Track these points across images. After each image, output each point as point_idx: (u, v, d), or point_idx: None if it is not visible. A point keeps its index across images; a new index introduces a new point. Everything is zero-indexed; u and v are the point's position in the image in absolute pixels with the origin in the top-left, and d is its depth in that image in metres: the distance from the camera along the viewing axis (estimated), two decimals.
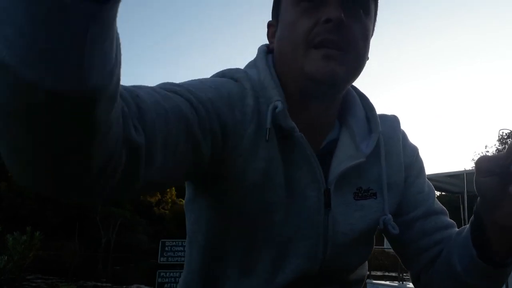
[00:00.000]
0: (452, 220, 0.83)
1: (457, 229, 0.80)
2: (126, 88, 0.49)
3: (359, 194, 0.74)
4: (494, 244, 0.64)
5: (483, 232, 0.65)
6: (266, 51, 0.76)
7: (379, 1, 0.73)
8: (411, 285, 0.93)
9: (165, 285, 4.97)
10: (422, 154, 0.91)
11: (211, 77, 0.72)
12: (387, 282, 9.25)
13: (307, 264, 0.71)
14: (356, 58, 0.68)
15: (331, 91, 0.70)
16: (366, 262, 0.85)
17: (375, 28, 0.75)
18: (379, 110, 0.82)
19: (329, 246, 0.71)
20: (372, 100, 0.82)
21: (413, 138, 0.92)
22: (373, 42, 0.72)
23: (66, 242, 31.28)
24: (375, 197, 0.75)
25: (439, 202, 0.83)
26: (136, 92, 0.49)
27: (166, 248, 5.20)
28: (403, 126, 0.85)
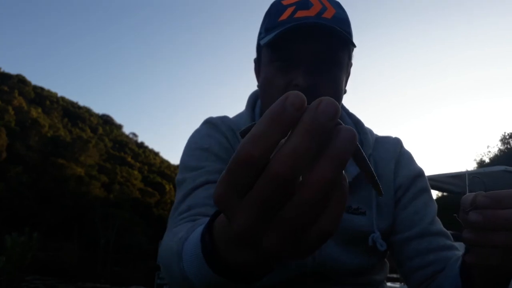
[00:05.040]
0: (451, 243, 0.83)
1: (457, 252, 0.81)
2: None
3: (349, 211, 0.82)
4: (477, 281, 0.62)
5: (468, 266, 0.64)
6: (254, 98, 0.94)
7: (357, 34, 0.82)
8: None
9: (164, 287, 4.96)
10: (423, 154, 0.92)
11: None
12: (389, 284, 9.26)
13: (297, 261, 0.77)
14: None
15: None
16: (382, 272, 0.90)
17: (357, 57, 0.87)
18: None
19: None
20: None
21: (414, 138, 0.92)
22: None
23: (65, 242, 31.23)
24: (364, 215, 0.82)
25: (440, 224, 0.85)
26: None
27: None
28: (405, 129, 0.86)
